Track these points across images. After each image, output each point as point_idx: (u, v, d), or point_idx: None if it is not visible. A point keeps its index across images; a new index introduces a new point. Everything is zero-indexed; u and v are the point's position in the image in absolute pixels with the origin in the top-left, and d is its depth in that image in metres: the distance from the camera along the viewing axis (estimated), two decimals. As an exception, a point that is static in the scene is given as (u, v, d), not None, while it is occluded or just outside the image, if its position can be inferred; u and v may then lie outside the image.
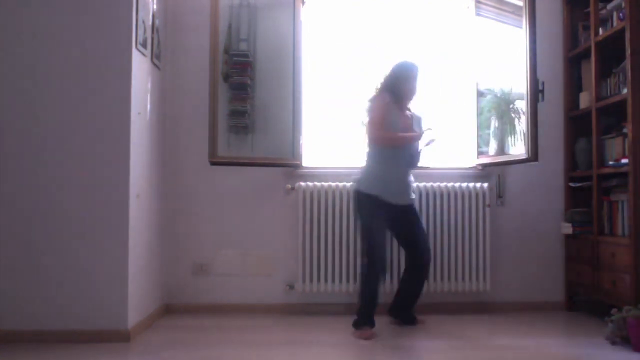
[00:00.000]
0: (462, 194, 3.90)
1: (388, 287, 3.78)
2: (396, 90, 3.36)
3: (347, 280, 3.81)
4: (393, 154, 3.34)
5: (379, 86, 3.43)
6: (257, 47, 3.88)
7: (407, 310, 3.52)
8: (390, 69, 3.43)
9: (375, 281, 3.24)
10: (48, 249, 3.08)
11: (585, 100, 3.84)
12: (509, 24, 3.89)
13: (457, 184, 3.91)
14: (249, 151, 3.84)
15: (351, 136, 4.18)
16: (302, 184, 3.86)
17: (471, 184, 3.92)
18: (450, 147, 4.22)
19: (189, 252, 3.93)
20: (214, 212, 3.94)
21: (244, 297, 3.92)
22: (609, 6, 3.54)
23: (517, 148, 3.77)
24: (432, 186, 3.88)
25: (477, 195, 3.90)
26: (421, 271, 3.48)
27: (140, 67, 3.31)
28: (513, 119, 3.86)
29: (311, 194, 3.85)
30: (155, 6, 3.59)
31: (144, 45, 3.36)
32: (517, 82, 3.70)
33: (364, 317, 3.22)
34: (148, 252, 3.52)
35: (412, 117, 3.48)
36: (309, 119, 4.04)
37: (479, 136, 4.07)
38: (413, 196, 3.48)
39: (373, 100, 3.36)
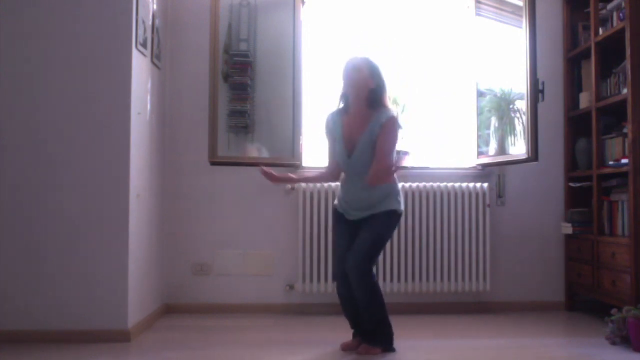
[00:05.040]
0: (462, 194, 3.89)
1: (388, 287, 3.80)
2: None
3: (347, 280, 3.81)
4: (344, 165, 2.96)
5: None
6: (257, 47, 3.88)
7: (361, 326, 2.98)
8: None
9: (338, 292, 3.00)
10: (48, 249, 3.08)
11: (585, 100, 3.83)
12: (509, 24, 3.89)
13: (457, 184, 3.91)
14: (249, 151, 3.85)
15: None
16: (302, 184, 3.86)
17: (471, 184, 3.92)
18: (450, 147, 4.23)
19: (189, 252, 3.93)
20: (214, 212, 3.94)
21: (244, 297, 3.92)
22: (609, 6, 3.54)
23: (517, 148, 3.77)
24: (432, 186, 3.88)
25: (477, 195, 3.90)
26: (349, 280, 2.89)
27: (140, 67, 3.31)
28: (513, 119, 3.86)
29: (311, 194, 3.85)
30: (155, 6, 3.59)
31: (144, 45, 3.36)
32: (517, 82, 3.71)
33: None
34: (148, 252, 3.52)
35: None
36: (309, 119, 4.03)
37: (479, 136, 4.06)
38: (373, 210, 2.90)
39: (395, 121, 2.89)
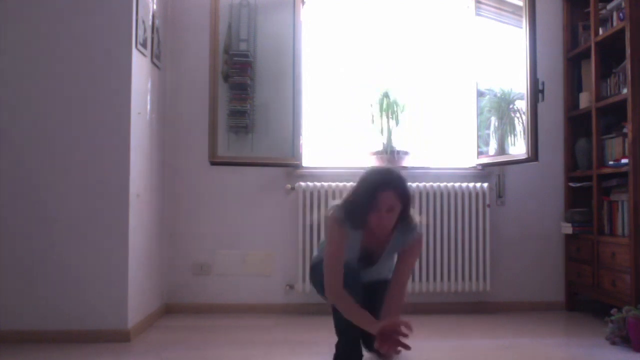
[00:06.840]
0: (462, 194, 3.90)
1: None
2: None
3: (347, 280, 3.81)
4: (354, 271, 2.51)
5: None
6: (257, 47, 3.88)
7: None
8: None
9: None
10: (48, 248, 3.08)
11: (585, 100, 3.84)
12: (509, 24, 3.89)
13: (457, 184, 3.91)
14: (249, 151, 3.85)
15: (351, 136, 4.18)
16: (302, 184, 3.86)
17: (471, 184, 3.92)
18: (450, 147, 4.23)
19: (189, 252, 3.93)
20: (214, 212, 3.94)
21: (244, 297, 3.92)
22: (609, 6, 3.54)
23: (517, 148, 3.77)
24: (432, 186, 3.88)
25: (477, 195, 3.90)
26: None
27: (140, 67, 3.31)
28: (513, 119, 3.86)
29: (311, 194, 3.85)
30: (155, 6, 3.59)
31: (144, 45, 3.36)
32: (517, 82, 3.71)
33: None
34: (148, 252, 3.52)
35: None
36: (309, 119, 4.04)
37: (479, 136, 4.06)
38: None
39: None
